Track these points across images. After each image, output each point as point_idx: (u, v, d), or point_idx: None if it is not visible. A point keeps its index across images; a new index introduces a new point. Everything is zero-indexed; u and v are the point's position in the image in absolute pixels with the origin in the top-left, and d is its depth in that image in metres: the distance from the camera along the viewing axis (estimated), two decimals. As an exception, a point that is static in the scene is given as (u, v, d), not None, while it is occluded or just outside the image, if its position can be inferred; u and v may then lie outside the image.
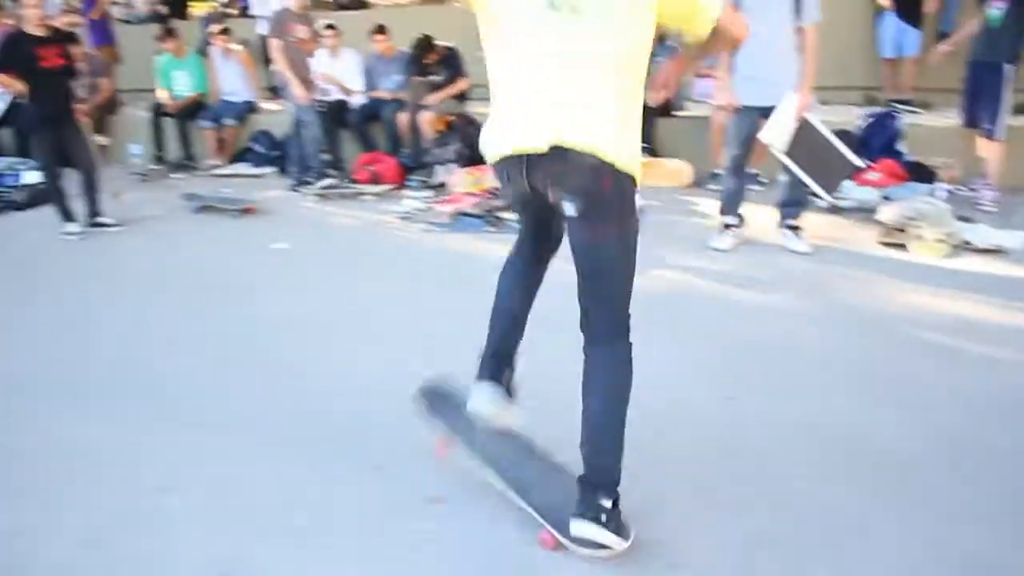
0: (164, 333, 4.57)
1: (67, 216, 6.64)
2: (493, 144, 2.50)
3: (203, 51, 9.74)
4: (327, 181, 7.57)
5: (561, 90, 2.36)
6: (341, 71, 8.27)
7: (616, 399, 2.60)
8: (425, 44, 7.78)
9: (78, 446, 3.37)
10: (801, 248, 5.38)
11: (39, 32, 6.39)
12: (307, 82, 7.52)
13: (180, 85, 9.23)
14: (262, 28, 9.54)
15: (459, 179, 7.13)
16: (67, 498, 3.00)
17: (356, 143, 8.30)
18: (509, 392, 2.87)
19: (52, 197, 6.71)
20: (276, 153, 8.68)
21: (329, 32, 8.19)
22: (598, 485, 2.51)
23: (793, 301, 4.64)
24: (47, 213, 6.86)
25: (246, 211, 7.02)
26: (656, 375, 3.69)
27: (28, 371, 4.17)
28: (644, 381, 3.62)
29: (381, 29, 8.32)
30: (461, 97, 7.97)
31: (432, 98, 7.77)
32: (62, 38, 6.65)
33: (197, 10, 12.26)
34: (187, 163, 9.01)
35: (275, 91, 9.18)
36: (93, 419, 3.60)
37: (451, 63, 7.83)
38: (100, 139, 8.47)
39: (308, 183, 7.60)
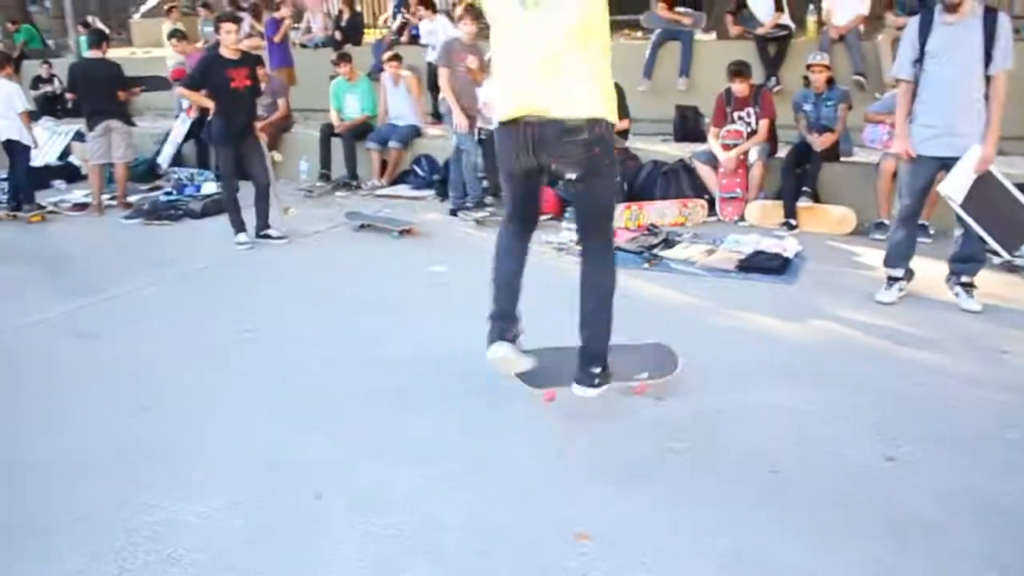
0: (321, 344, 4.75)
1: (240, 227, 7.02)
2: (498, 113, 3.36)
3: (374, 76, 10.15)
4: (485, 208, 7.69)
5: (541, 66, 3.18)
6: (505, 101, 8.42)
7: (606, 297, 3.52)
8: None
9: (242, 447, 3.54)
10: (973, 307, 5.09)
11: (232, 55, 6.87)
12: (471, 111, 7.69)
13: (350, 107, 9.61)
14: (431, 56, 9.86)
15: (616, 214, 7.12)
16: (229, 497, 3.15)
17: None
18: (516, 344, 3.54)
19: (227, 208, 7.11)
20: (436, 177, 8.90)
21: (496, 62, 8.36)
22: (592, 358, 3.54)
23: (962, 363, 4.38)
24: (221, 223, 7.26)
25: (405, 232, 7.22)
26: (812, 430, 3.58)
27: (201, 376, 4.41)
28: (800, 435, 3.54)
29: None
30: (622, 134, 7.96)
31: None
32: (251, 61, 7.10)
33: (371, 37, 12.75)
34: (351, 182, 9.34)
35: (439, 117, 9.47)
36: (257, 421, 3.78)
37: (614, 100, 7.84)
38: (275, 155, 8.89)
39: (467, 208, 7.76)
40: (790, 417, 3.68)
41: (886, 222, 6.27)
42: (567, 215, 7.55)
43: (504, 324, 3.55)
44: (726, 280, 5.78)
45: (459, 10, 8.09)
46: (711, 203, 7.42)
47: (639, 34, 11.52)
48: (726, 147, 7.45)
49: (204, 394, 4.14)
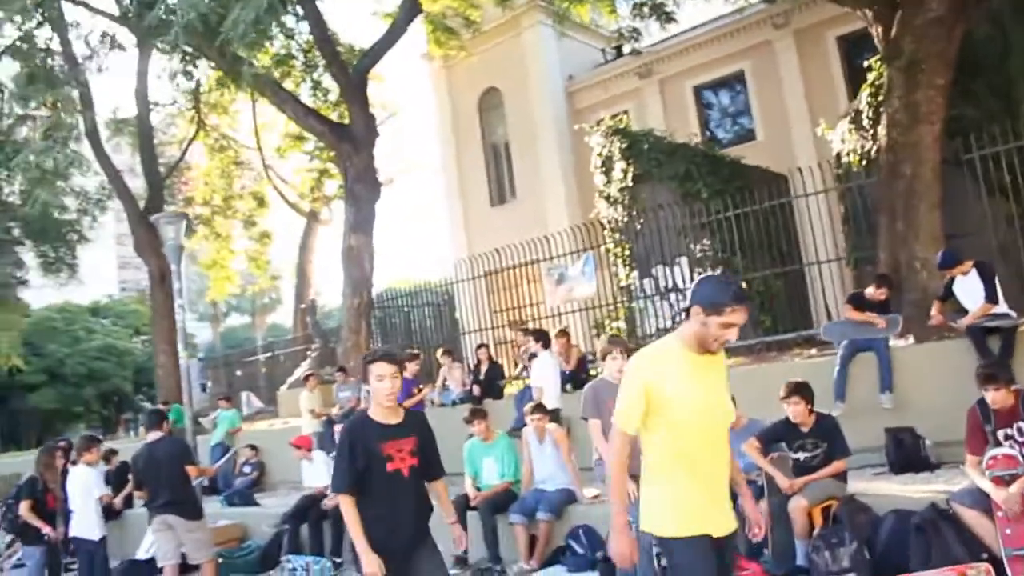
0: None
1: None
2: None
3: (516, 433, 8.77)
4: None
5: None
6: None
7: None
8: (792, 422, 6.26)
9: None
10: None
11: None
12: (636, 470, 6.03)
13: (488, 473, 8.16)
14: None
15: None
16: None
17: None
18: None
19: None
20: (600, 554, 7.06)
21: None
22: None
23: None
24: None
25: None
26: None
27: None
28: None
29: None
30: (840, 477, 6.11)
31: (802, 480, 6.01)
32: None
33: (512, 389, 11.70)
34: (492, 566, 7.67)
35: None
36: None
37: (827, 434, 6.14)
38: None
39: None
40: None
41: None
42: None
43: None
44: None
45: (602, 343, 6.72)
46: (996, 564, 5.19)
47: (813, 351, 10.14)
48: (999, 481, 5.35)
49: None
